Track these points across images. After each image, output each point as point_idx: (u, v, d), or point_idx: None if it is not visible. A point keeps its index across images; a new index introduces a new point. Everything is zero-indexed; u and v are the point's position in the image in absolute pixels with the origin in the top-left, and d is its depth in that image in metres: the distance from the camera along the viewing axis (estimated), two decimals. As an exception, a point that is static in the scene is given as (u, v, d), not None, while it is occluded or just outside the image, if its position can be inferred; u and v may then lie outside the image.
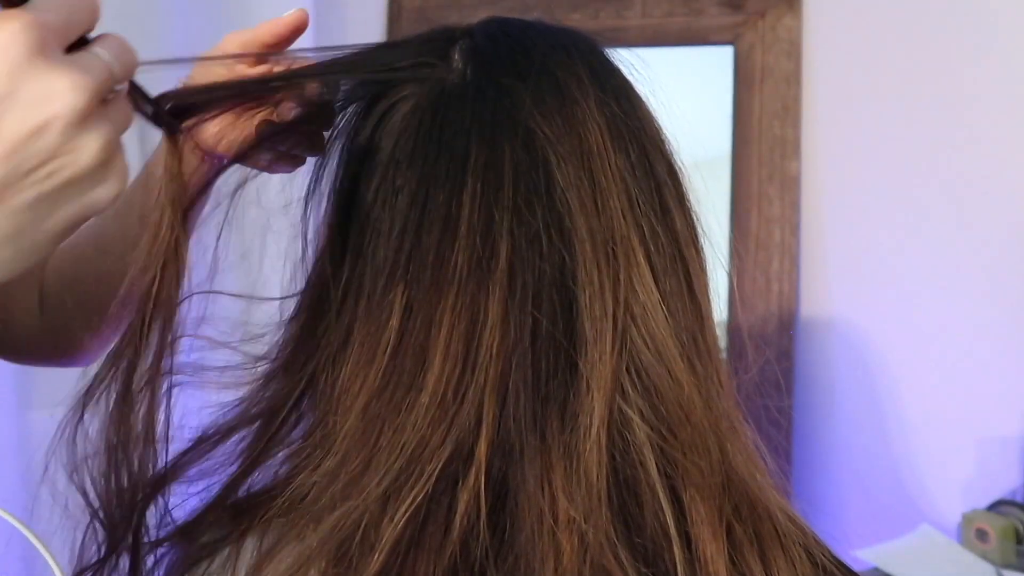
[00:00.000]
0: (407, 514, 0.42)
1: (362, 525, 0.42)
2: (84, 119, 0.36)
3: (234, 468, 0.50)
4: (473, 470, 0.42)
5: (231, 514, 0.49)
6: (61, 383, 0.52)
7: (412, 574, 0.41)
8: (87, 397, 0.46)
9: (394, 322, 0.45)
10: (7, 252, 0.37)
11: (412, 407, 0.43)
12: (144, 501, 0.49)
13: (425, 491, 0.42)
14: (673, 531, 0.43)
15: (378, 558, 0.41)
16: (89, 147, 0.36)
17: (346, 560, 0.42)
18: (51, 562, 0.46)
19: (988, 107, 1.34)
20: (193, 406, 0.52)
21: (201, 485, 0.50)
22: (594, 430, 0.43)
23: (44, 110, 0.35)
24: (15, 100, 0.35)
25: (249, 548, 0.47)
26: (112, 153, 0.37)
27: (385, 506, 0.42)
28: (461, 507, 0.42)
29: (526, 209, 0.45)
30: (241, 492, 0.50)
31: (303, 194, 0.52)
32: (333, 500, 0.43)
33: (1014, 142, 1.32)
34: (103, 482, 0.47)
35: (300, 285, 0.52)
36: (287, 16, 0.59)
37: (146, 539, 0.49)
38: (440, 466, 0.42)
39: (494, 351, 0.43)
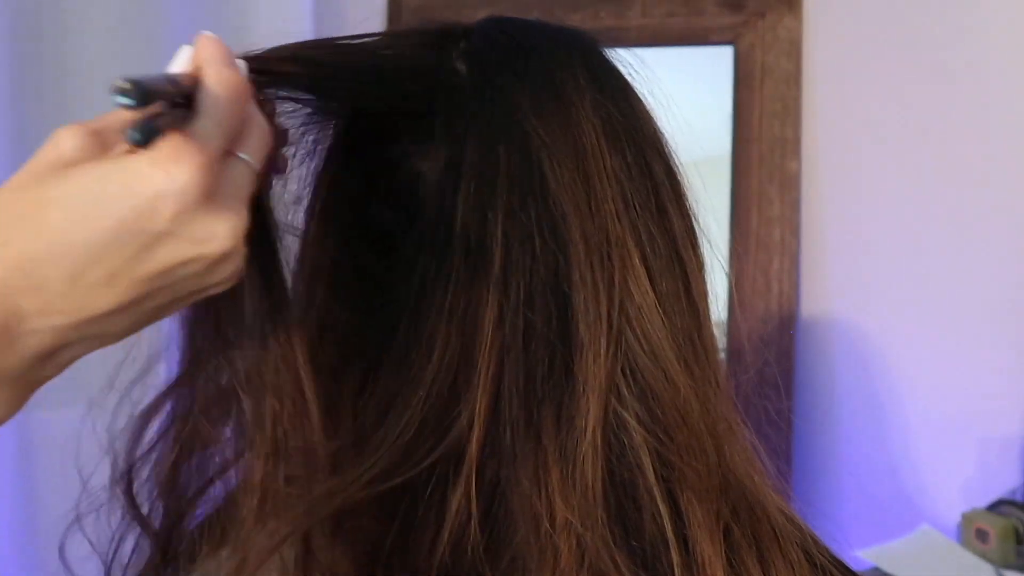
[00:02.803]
0: (396, 512, 0.42)
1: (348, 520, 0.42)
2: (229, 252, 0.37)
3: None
4: (464, 471, 0.42)
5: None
6: (62, 383, 0.53)
7: (401, 574, 0.41)
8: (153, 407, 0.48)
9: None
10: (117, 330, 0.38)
11: (406, 405, 0.43)
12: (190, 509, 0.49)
13: (415, 490, 0.42)
14: (670, 534, 0.43)
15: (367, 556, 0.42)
16: (226, 271, 0.38)
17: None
18: None
19: (988, 107, 1.34)
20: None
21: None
22: (589, 432, 0.43)
23: (200, 249, 0.36)
24: (177, 237, 0.35)
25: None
26: (239, 261, 0.38)
27: (374, 503, 0.42)
28: (452, 507, 0.42)
29: (520, 211, 0.45)
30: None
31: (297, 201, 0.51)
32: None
33: (1015, 142, 1.32)
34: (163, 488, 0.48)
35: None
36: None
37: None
38: (430, 465, 0.42)
39: (487, 352, 0.43)
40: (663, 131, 0.51)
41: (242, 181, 0.38)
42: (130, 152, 0.35)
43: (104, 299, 0.35)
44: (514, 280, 0.44)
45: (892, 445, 1.38)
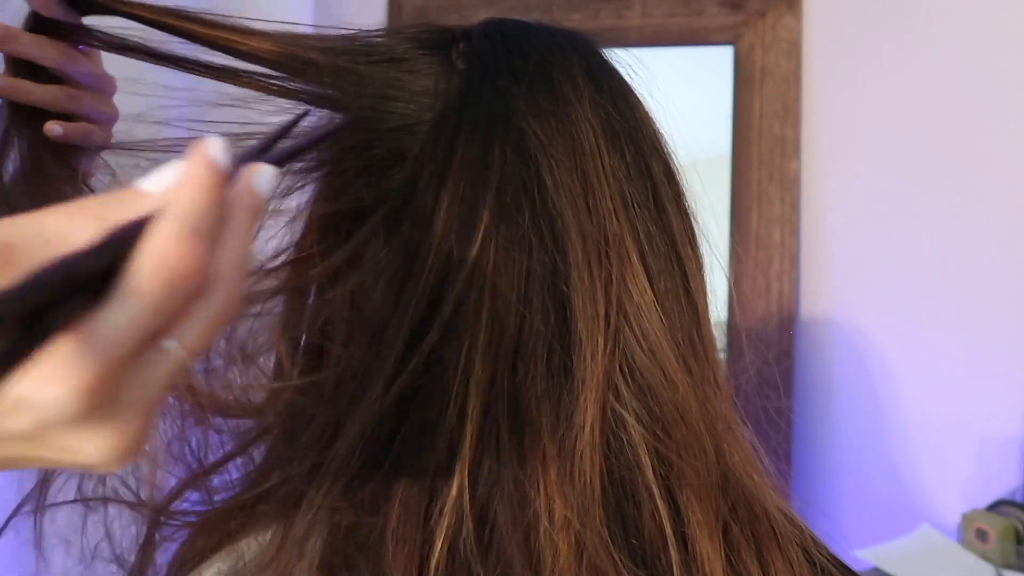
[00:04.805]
0: (391, 503, 0.42)
1: (355, 522, 0.42)
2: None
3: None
4: (458, 467, 0.42)
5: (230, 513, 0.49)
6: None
7: (398, 569, 0.41)
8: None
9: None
10: None
11: (389, 392, 0.43)
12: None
13: (410, 487, 0.42)
14: (669, 532, 0.43)
15: (365, 555, 0.42)
16: (95, 470, 0.31)
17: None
18: None
19: (989, 107, 1.34)
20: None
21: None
22: (588, 430, 0.43)
23: (61, 456, 0.30)
24: (35, 442, 0.29)
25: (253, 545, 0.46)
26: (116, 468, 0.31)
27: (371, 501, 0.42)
28: (448, 503, 0.42)
29: (514, 210, 0.45)
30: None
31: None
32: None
33: (1015, 142, 1.32)
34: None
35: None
36: None
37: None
38: (425, 463, 0.42)
39: (477, 349, 0.43)
40: (662, 131, 0.51)
41: (155, 379, 0.30)
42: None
43: None
44: (506, 278, 0.44)
45: (892, 445, 1.38)
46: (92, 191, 0.55)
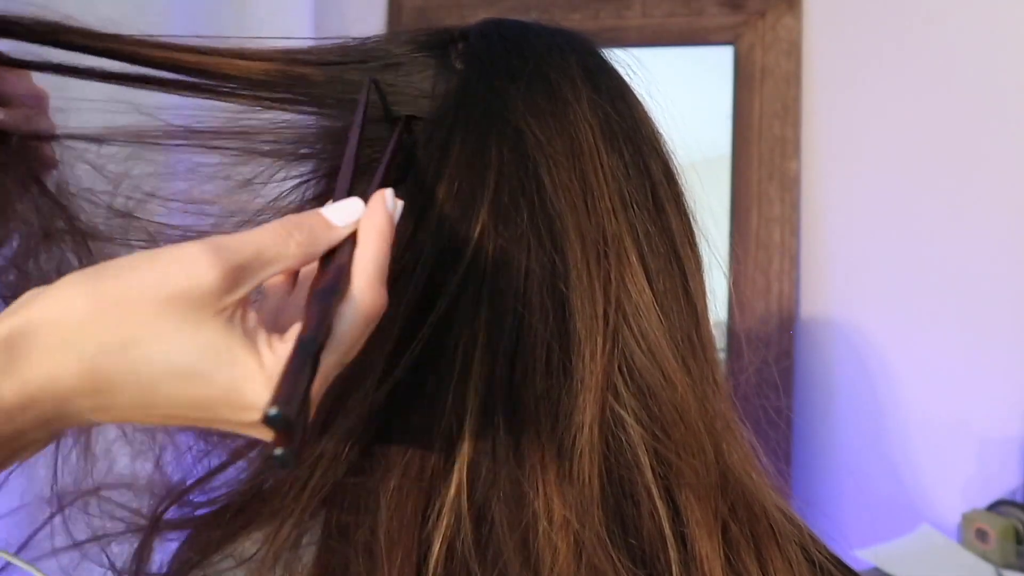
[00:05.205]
0: (385, 504, 0.42)
1: (347, 521, 0.42)
2: None
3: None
4: (456, 467, 0.42)
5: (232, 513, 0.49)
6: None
7: (393, 568, 0.41)
8: None
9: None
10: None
11: (380, 389, 0.43)
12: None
13: (407, 487, 0.42)
14: (668, 532, 0.43)
15: (360, 556, 0.41)
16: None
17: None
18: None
19: (989, 107, 1.34)
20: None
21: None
22: (586, 430, 0.43)
23: (245, 432, 0.36)
24: (236, 428, 0.35)
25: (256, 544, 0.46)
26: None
27: (355, 491, 0.42)
28: (446, 504, 0.42)
29: (511, 209, 0.45)
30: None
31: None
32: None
33: (1015, 142, 1.32)
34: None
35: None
36: None
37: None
38: (423, 463, 0.42)
39: (476, 349, 0.43)
40: (660, 131, 0.51)
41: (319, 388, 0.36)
42: (258, 338, 0.34)
43: (153, 423, 0.36)
44: (504, 278, 0.44)
45: (892, 445, 1.38)
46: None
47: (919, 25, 1.36)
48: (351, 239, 0.38)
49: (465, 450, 0.42)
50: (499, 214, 0.44)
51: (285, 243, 0.36)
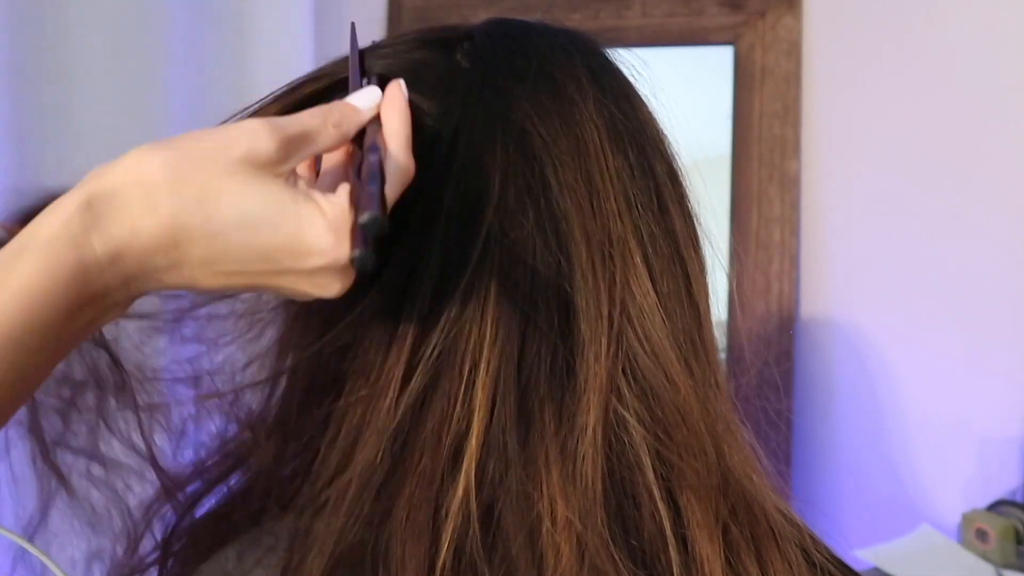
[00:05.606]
0: (399, 510, 0.42)
1: (357, 522, 0.42)
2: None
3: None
4: (463, 469, 0.42)
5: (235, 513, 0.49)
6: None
7: (403, 569, 0.41)
8: None
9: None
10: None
11: (383, 399, 0.43)
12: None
13: (407, 484, 0.42)
14: (669, 533, 0.43)
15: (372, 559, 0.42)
16: (310, 299, 0.40)
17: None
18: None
19: (989, 107, 1.34)
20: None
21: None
22: (590, 431, 0.43)
23: (312, 290, 0.39)
24: (304, 278, 0.39)
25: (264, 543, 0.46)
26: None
27: (377, 500, 0.42)
28: (454, 506, 0.42)
29: (517, 209, 0.45)
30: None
31: None
32: (325, 499, 0.44)
33: (1015, 142, 1.32)
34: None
35: None
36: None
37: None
38: (425, 461, 0.42)
39: (483, 350, 0.43)
40: (665, 132, 0.51)
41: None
42: (311, 188, 0.39)
43: (217, 282, 0.39)
44: (511, 279, 0.44)
45: (892, 445, 1.38)
46: None
47: (919, 25, 1.36)
48: (376, 120, 0.43)
49: (473, 451, 0.42)
50: (505, 215, 0.44)
51: (324, 124, 0.41)
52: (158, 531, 0.53)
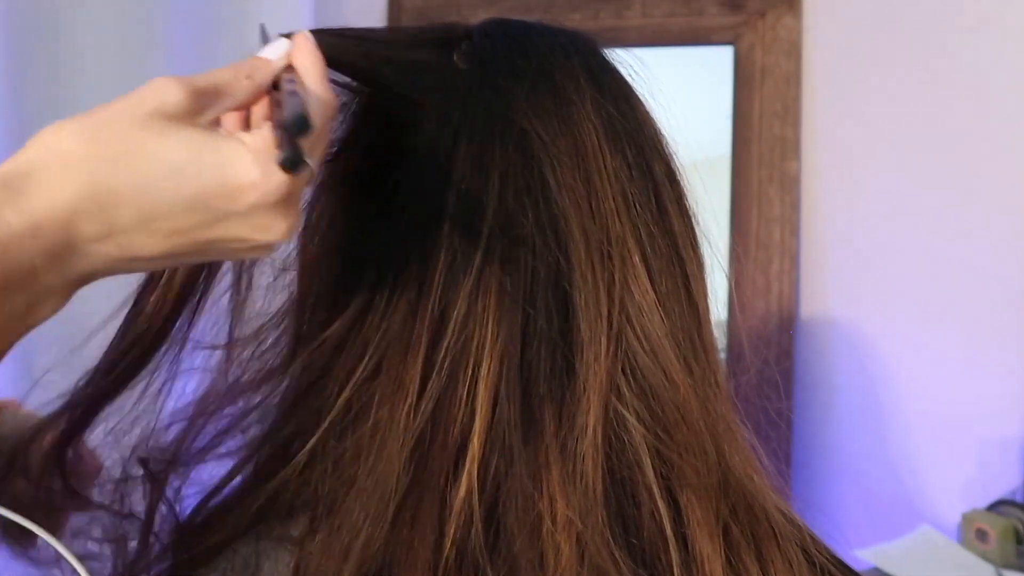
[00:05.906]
0: (402, 511, 0.42)
1: (366, 523, 0.42)
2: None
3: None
4: (466, 468, 0.42)
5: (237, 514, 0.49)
6: (63, 383, 0.53)
7: (407, 569, 0.41)
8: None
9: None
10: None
11: (403, 403, 0.44)
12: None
13: (419, 487, 0.42)
14: (670, 532, 0.43)
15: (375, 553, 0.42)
16: (263, 253, 0.41)
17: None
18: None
19: (988, 107, 1.34)
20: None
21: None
22: (590, 431, 0.43)
23: (255, 236, 0.39)
24: (243, 221, 0.38)
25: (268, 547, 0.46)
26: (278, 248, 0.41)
27: (381, 501, 0.42)
28: (456, 505, 0.42)
29: (517, 209, 0.45)
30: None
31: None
32: (330, 498, 0.44)
33: (1015, 142, 1.32)
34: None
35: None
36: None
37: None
38: (433, 463, 0.43)
39: (488, 350, 0.43)
40: (663, 132, 0.51)
41: (304, 184, 0.40)
42: (230, 131, 0.39)
43: (157, 247, 0.38)
44: (510, 279, 0.44)
45: (892, 445, 1.38)
46: None
47: (919, 25, 1.36)
48: (290, 70, 0.43)
49: (476, 450, 0.43)
50: (505, 214, 0.45)
51: (236, 76, 0.41)
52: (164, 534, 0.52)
